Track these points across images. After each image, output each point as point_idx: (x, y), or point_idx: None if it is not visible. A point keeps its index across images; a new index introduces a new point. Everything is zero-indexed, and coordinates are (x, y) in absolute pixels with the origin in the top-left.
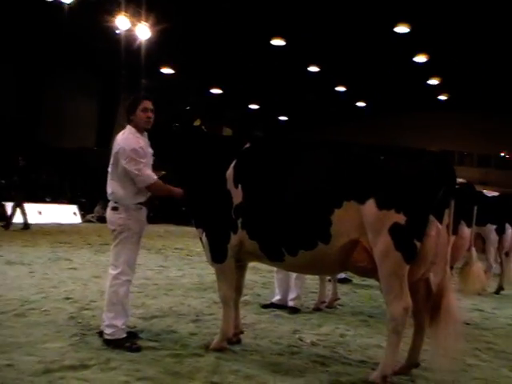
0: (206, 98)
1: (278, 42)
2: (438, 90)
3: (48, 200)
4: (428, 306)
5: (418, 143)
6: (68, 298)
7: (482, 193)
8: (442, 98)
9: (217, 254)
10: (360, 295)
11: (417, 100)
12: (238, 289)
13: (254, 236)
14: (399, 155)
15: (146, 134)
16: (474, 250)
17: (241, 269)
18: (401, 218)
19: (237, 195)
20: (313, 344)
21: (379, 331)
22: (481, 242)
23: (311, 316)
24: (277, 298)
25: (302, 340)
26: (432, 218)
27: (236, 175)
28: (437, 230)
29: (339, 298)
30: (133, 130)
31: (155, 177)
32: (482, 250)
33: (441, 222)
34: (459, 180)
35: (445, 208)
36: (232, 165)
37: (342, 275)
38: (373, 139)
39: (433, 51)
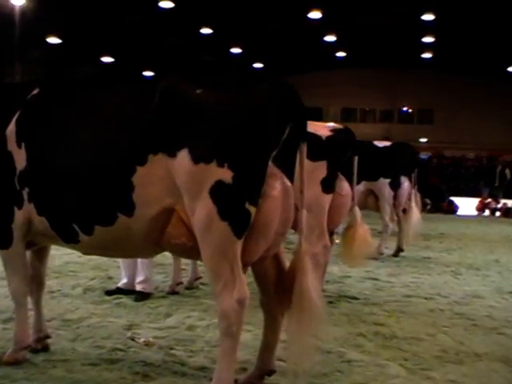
0: (98, 66)
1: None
2: (335, 47)
3: None
4: (280, 290)
5: (320, 103)
6: None
7: (371, 143)
8: (340, 54)
9: None
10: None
11: (315, 59)
12: (37, 281)
13: (42, 211)
14: (222, 87)
15: None
16: (357, 209)
17: (40, 254)
18: (226, 174)
19: (20, 158)
20: (146, 344)
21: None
22: (373, 198)
23: (162, 302)
24: (123, 281)
25: (134, 339)
26: (274, 170)
27: (18, 132)
28: (282, 188)
29: (201, 277)
30: None
31: None
32: (376, 208)
33: (289, 175)
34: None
35: (294, 155)
36: (14, 118)
37: None
38: None
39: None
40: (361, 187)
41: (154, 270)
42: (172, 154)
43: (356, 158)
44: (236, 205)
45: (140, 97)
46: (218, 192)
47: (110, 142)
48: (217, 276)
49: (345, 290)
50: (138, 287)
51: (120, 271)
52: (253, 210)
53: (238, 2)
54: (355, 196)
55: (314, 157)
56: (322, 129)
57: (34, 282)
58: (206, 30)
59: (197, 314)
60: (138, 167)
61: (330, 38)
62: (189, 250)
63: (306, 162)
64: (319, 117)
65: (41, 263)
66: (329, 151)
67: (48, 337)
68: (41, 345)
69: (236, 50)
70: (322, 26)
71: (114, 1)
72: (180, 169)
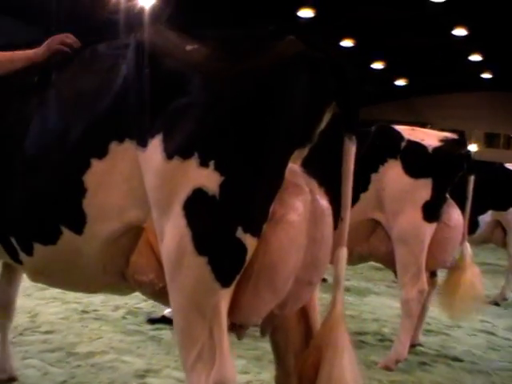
0: None
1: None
2: (480, 67)
3: None
4: (303, 367)
5: (462, 125)
6: None
7: (502, 165)
8: (485, 76)
9: None
10: None
11: (458, 78)
12: (3, 307)
13: None
14: (224, 42)
15: None
16: (467, 245)
17: (9, 274)
18: (210, 179)
19: None
20: None
21: None
22: (501, 232)
23: None
24: (169, 309)
25: None
26: (298, 179)
27: None
28: (310, 209)
29: None
30: None
31: None
32: (503, 244)
33: (330, 189)
34: None
35: (338, 159)
36: None
37: None
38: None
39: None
40: (487, 217)
41: None
42: (143, 142)
43: (472, 178)
44: (222, 231)
45: (104, 60)
46: (196, 207)
47: (57, 128)
48: (187, 341)
49: (448, 345)
50: None
51: None
52: (251, 241)
53: (378, 16)
54: (466, 228)
55: (415, 173)
56: (429, 137)
57: (1, 308)
58: (346, 43)
59: (242, 364)
60: (93, 161)
61: (476, 58)
62: (159, 293)
63: (405, 179)
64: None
65: (9, 285)
66: (436, 167)
67: (13, 379)
68: None
69: (377, 66)
70: (467, 44)
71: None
72: (149, 166)
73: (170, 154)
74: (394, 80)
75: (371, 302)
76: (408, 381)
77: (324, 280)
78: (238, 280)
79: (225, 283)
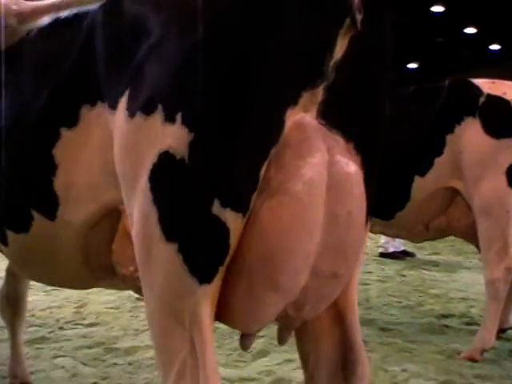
0: None
1: None
2: None
3: None
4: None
5: None
6: None
7: None
8: None
9: None
10: None
11: None
12: (14, 304)
13: None
14: None
15: None
16: None
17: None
18: (179, 138)
19: None
20: None
21: None
22: None
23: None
24: None
25: None
26: (307, 134)
27: None
28: (328, 175)
29: None
30: None
31: None
32: None
33: (364, 148)
34: None
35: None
36: None
37: (399, 246)
38: None
39: None
40: None
41: None
42: (113, 103)
43: None
44: (192, 206)
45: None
46: (162, 177)
47: (26, 97)
48: (165, 356)
49: None
50: None
51: None
52: (233, 218)
53: None
54: None
55: (497, 132)
56: None
57: (9, 305)
58: (437, 9)
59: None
60: (62, 131)
61: None
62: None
63: (486, 140)
64: None
65: (17, 280)
66: None
67: None
68: None
69: (470, 30)
70: None
71: None
72: (116, 132)
73: (132, 112)
74: (488, 45)
75: (461, 278)
76: (495, 374)
77: (408, 254)
78: (225, 274)
79: (203, 278)
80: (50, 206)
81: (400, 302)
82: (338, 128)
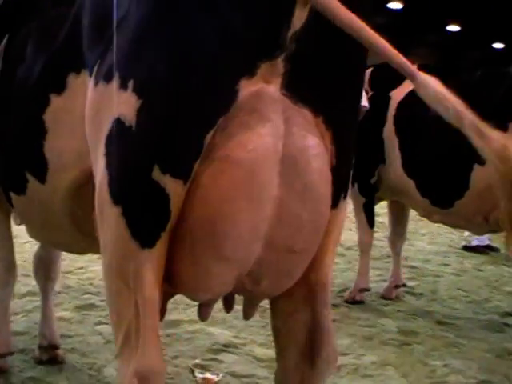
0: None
1: None
2: None
3: None
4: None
5: None
6: None
7: None
8: None
9: None
10: None
11: None
12: (45, 267)
13: None
14: None
15: None
16: None
17: None
18: (128, 105)
19: None
20: None
21: None
22: None
23: None
24: None
25: (193, 372)
26: (261, 105)
27: None
28: (283, 146)
29: (402, 285)
30: None
31: None
32: None
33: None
34: None
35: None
36: None
37: (484, 239)
38: None
39: None
40: None
41: None
42: (91, 71)
43: None
44: (133, 171)
45: None
46: (113, 143)
47: (25, 66)
48: (115, 318)
49: None
50: None
51: None
52: (173, 184)
53: None
54: None
55: None
56: None
57: (40, 268)
58: None
59: (346, 343)
60: (52, 97)
61: None
62: None
63: None
64: None
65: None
66: None
67: (56, 347)
68: (47, 355)
69: None
70: None
71: None
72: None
73: (96, 80)
74: None
75: None
76: None
77: (493, 249)
78: (170, 240)
79: (144, 242)
80: (41, 169)
81: (467, 297)
82: (305, 101)
